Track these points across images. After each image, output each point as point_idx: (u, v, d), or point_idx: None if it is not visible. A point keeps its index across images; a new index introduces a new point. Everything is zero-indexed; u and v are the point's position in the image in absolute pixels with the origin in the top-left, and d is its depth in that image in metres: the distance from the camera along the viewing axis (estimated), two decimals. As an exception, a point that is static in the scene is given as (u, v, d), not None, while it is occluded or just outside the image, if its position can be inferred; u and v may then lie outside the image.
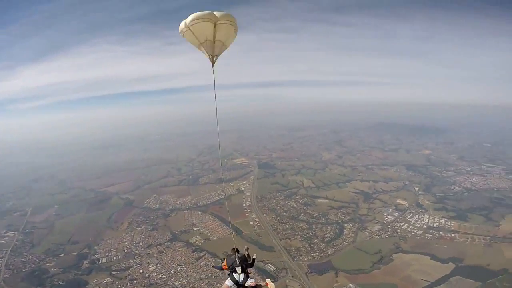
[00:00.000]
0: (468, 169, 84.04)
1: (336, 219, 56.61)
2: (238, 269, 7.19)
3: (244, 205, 63.89)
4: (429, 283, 37.11)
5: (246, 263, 7.47)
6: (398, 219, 56.29)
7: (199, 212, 62.44)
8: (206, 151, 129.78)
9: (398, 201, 64.84)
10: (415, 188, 72.99)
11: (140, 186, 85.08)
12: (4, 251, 49.82)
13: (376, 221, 55.48)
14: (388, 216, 57.54)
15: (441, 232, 50.77)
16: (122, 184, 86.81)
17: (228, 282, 7.20)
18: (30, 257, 47.97)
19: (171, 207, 67.38)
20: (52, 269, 44.54)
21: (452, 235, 49.76)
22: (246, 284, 7.30)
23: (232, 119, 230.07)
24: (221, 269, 7.68)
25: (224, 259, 7.58)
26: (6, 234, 56.31)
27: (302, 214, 58.93)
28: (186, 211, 64.21)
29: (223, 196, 70.28)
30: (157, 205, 69.15)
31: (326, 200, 65.68)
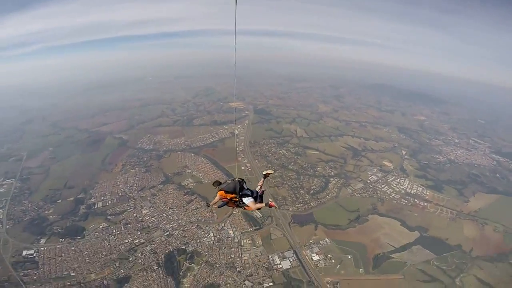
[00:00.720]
0: (457, 141, 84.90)
1: (323, 173, 58.10)
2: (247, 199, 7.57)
3: (237, 149, 64.24)
4: (394, 248, 40.12)
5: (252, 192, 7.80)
6: (380, 180, 58.22)
7: (192, 154, 62.67)
8: (202, 93, 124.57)
9: (384, 162, 66.07)
10: (403, 151, 73.99)
11: (134, 125, 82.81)
12: (4, 200, 49.18)
13: (360, 179, 57.34)
14: (372, 176, 59.38)
15: (416, 200, 53.23)
16: (116, 124, 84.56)
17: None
18: (29, 205, 47.99)
19: (164, 148, 66.86)
20: (51, 216, 45.21)
21: (425, 204, 52.38)
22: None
23: (232, 65, 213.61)
24: (226, 204, 7.75)
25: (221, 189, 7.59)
26: (4, 182, 55.22)
27: (292, 164, 60.06)
28: (179, 152, 64.25)
29: (217, 139, 69.60)
30: (150, 146, 68.39)
31: (317, 152, 66.44)
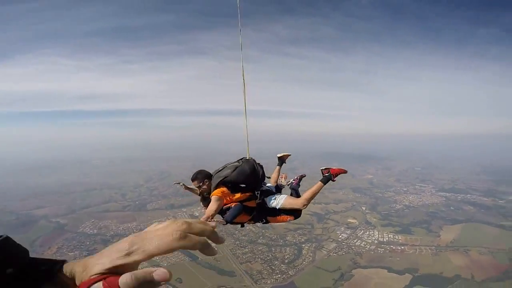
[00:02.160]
0: (405, 189, 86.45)
1: (294, 240, 51.72)
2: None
3: None
4: (393, 295, 32.97)
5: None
6: (351, 236, 53.43)
7: (146, 237, 52.54)
8: (156, 177, 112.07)
9: (349, 220, 62.73)
10: (362, 208, 72.03)
11: (75, 210, 68.41)
12: None
13: (331, 240, 51.87)
14: (342, 234, 54.47)
15: (392, 246, 48.75)
16: (52, 208, 69.85)
17: None
18: None
19: (112, 232, 55.30)
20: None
21: (402, 247, 47.96)
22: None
23: (187, 146, 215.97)
24: (236, 215, 4.25)
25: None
26: None
27: (261, 237, 53.01)
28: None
29: None
30: (95, 230, 56.28)
31: (283, 223, 60.39)
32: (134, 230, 55.76)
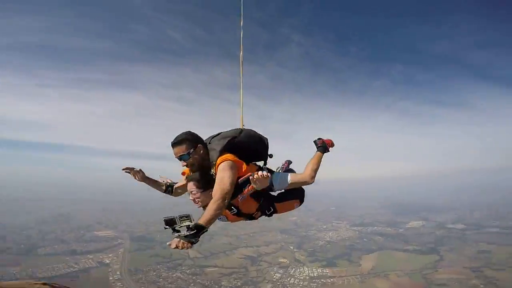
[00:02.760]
0: (325, 227, 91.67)
1: (230, 285, 47.56)
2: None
3: (111, 278, 45.50)
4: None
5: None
6: (284, 275, 52.30)
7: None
8: (52, 220, 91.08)
9: (280, 259, 61.82)
10: (290, 247, 72.44)
11: None
12: None
13: (267, 281, 49.68)
14: (276, 274, 52.93)
15: (322, 280, 49.36)
16: None
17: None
18: None
19: None
20: None
21: (331, 280, 49.05)
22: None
23: (102, 189, 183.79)
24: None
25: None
26: None
27: (192, 284, 46.46)
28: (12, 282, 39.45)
29: (77, 269, 48.47)
30: None
31: (216, 268, 54.98)
32: (17, 276, 42.36)
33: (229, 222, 3.11)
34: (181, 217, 2.41)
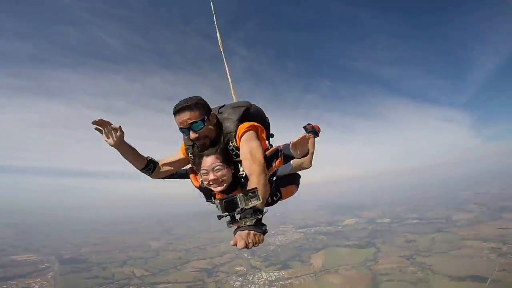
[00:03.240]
0: (273, 232, 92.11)
1: None
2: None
3: None
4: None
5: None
6: (244, 282, 50.87)
7: None
8: None
9: (236, 268, 59.53)
10: (245, 255, 70.42)
11: None
12: None
13: None
14: (235, 283, 50.90)
15: (281, 282, 49.45)
16: None
17: None
18: None
19: None
20: None
21: (289, 281, 49.37)
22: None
23: (20, 211, 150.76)
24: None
25: None
26: None
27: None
28: None
29: None
30: None
31: (170, 284, 49.66)
32: None
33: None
34: (246, 194, 1.63)
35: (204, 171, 2.21)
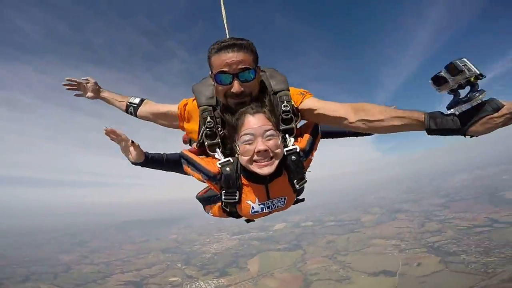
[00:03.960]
0: (208, 240, 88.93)
1: None
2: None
3: None
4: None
5: None
6: None
7: None
8: None
9: (170, 279, 53.97)
10: (178, 265, 64.74)
11: None
12: None
13: None
14: None
15: None
16: None
17: None
18: None
19: None
20: None
21: None
22: None
23: None
24: None
25: None
26: None
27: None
28: None
29: None
30: None
31: None
32: None
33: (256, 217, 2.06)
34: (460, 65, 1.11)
35: (247, 137, 1.43)
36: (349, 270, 48.30)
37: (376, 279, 42.85)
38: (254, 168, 1.42)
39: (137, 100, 2.11)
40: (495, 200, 65.77)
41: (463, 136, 1.19)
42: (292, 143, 1.61)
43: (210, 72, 1.66)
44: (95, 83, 2.24)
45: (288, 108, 1.65)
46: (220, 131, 1.71)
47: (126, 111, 2.15)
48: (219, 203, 1.82)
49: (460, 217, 60.59)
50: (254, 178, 1.55)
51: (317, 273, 49.58)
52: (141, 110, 2.08)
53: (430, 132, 1.23)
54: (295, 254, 61.58)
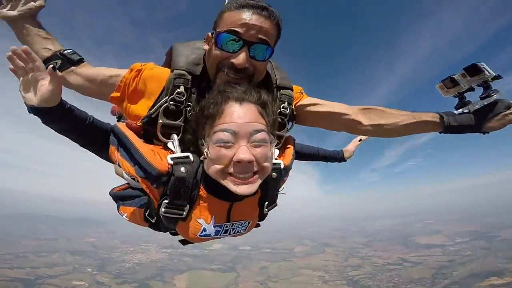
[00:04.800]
0: (132, 249, 78.21)
1: None
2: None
3: None
4: None
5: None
6: None
7: None
8: None
9: (74, 282, 45.24)
10: (88, 269, 54.86)
11: None
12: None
13: None
14: None
15: None
16: None
17: None
18: None
19: None
20: None
21: None
22: None
23: None
24: None
25: None
26: None
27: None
28: None
29: None
30: None
31: None
32: None
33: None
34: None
35: (226, 136, 0.89)
36: (277, 299, 47.32)
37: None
38: (228, 183, 0.91)
39: (76, 57, 1.26)
40: (407, 243, 74.55)
41: (478, 133, 1.20)
42: (275, 156, 1.16)
43: (210, 33, 1.14)
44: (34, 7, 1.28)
45: (287, 111, 1.23)
46: (189, 112, 1.12)
47: (47, 60, 1.22)
48: (140, 209, 1.25)
49: (377, 255, 66.16)
50: (219, 192, 1.00)
51: (245, 298, 46.92)
52: (76, 71, 1.25)
53: (449, 129, 1.16)
54: (229, 276, 57.90)
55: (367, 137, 2.20)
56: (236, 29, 1.02)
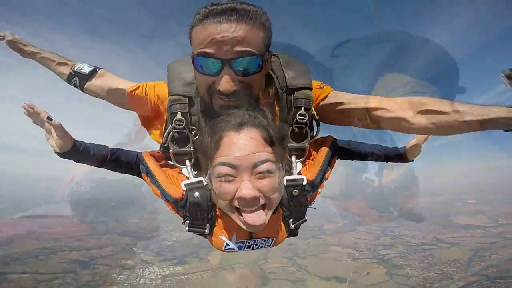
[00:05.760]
0: (170, 228, 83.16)
1: None
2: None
3: None
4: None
5: None
6: (131, 276, 43.16)
7: None
8: None
9: (122, 262, 50.13)
10: (134, 249, 59.96)
11: None
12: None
13: (109, 283, 39.86)
14: (120, 276, 42.75)
15: (176, 277, 45.38)
16: None
17: None
18: None
19: None
20: None
21: (185, 276, 45.99)
22: None
23: None
24: None
25: None
26: None
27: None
28: None
29: None
30: None
31: (27, 275, 37.95)
32: None
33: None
34: None
35: (225, 170, 0.84)
36: (305, 273, 47.85)
37: (327, 283, 42.67)
38: (236, 218, 0.89)
39: (86, 69, 1.29)
40: (445, 223, 69.65)
41: None
42: (298, 171, 1.06)
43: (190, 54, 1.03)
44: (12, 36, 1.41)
45: (305, 120, 1.05)
46: (195, 135, 1.07)
47: (69, 81, 1.33)
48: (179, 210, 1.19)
49: (411, 235, 62.84)
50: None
51: (274, 272, 48.42)
52: (92, 84, 1.29)
53: None
54: (258, 252, 59.55)
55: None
56: (206, 50, 0.87)
